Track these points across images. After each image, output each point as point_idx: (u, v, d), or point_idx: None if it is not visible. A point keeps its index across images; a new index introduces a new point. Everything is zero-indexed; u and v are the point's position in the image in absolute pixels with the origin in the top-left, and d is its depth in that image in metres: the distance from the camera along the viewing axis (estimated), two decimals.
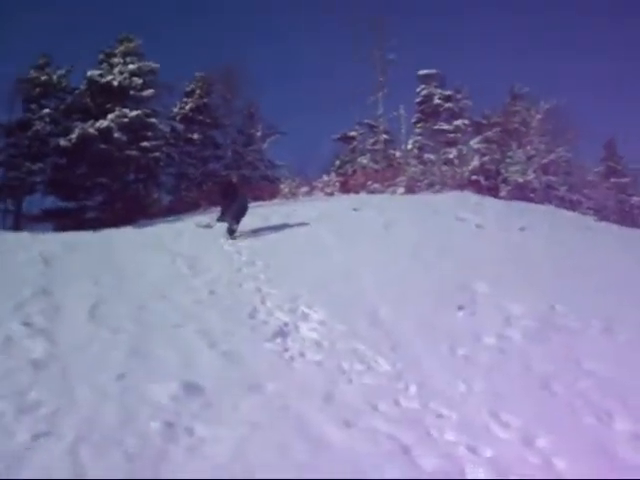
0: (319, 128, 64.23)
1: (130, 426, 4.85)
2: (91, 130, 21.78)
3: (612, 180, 37.06)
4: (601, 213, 28.43)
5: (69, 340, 6.91)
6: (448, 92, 32.26)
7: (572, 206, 27.29)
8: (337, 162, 33.44)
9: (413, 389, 5.89)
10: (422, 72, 32.57)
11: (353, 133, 33.38)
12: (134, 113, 22.44)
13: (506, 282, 9.81)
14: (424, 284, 9.71)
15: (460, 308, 8.57)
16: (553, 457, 4.63)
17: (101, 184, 23.52)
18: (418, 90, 32.93)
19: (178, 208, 24.50)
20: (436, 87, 32.53)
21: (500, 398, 5.68)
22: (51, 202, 25.13)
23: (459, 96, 32.51)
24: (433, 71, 32.56)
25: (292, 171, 29.36)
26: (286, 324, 7.76)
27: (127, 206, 23.41)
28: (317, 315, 8.07)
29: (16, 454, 4.34)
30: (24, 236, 14.73)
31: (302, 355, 6.77)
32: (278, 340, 7.18)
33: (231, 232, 13.51)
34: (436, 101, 32.03)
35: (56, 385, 5.63)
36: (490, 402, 5.58)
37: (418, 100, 32.97)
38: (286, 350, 6.90)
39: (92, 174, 23.17)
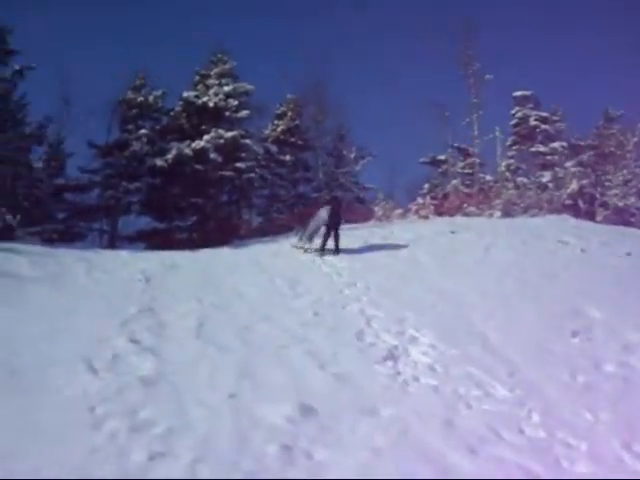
0: (406, 151, 63.95)
1: (246, 448, 4.73)
2: (187, 150, 22.11)
3: None
4: None
5: (177, 358, 6.88)
6: (544, 114, 31.62)
7: None
8: (426, 185, 33.03)
9: (536, 417, 5.61)
10: (517, 93, 32.10)
11: (443, 156, 33.05)
12: (229, 134, 22.68)
13: (619, 308, 9.36)
14: (533, 308, 9.35)
15: (574, 334, 8.19)
16: None
17: (195, 204, 23.81)
18: (513, 112, 32.42)
19: (269, 230, 24.60)
20: (531, 109, 31.95)
21: (630, 429, 5.34)
22: (144, 223, 25.63)
23: (555, 118, 31.86)
24: (528, 92, 32.02)
25: (382, 194, 29.23)
26: (395, 347, 7.54)
27: (219, 227, 23.63)
28: (426, 339, 7.83)
29: (134, 474, 4.25)
30: (123, 254, 14.96)
31: (416, 379, 6.54)
32: (389, 363, 6.98)
33: (322, 248, 13.59)
34: (532, 123, 31.44)
35: (167, 404, 5.57)
36: (620, 433, 5.25)
37: (513, 122, 32.43)
38: (398, 374, 6.69)
39: (186, 194, 23.51)
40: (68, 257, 13.16)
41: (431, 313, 9.02)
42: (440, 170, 33.52)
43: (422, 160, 34.78)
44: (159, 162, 22.32)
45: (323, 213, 14.63)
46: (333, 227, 14.29)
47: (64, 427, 4.98)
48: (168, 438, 4.84)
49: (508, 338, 7.94)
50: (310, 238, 14.64)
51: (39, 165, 24.22)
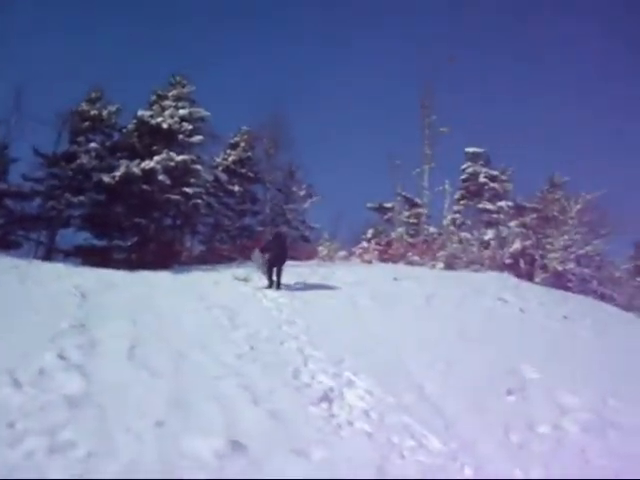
0: (354, 195, 64.32)
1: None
2: (135, 170, 21.80)
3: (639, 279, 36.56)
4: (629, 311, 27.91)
5: (106, 379, 6.62)
6: (494, 172, 32.10)
7: (604, 300, 26.74)
8: (371, 231, 33.18)
9: (468, 471, 5.54)
10: (470, 149, 32.54)
11: (389, 204, 33.31)
12: (181, 158, 22.46)
13: (555, 371, 9.42)
14: (471, 363, 9.33)
15: (510, 393, 8.19)
16: None
17: (137, 225, 23.45)
18: (464, 167, 32.83)
19: (211, 258, 24.38)
20: (482, 165, 32.42)
21: None
22: (83, 238, 25.07)
23: (503, 177, 32.36)
24: (480, 150, 32.48)
25: (327, 234, 29.27)
26: (331, 389, 7.40)
27: (160, 250, 23.30)
28: (363, 383, 7.72)
29: None
30: (60, 267, 14.60)
31: (350, 424, 6.40)
32: (324, 405, 6.83)
33: (269, 281, 13.45)
34: (481, 180, 31.87)
35: (91, 426, 5.32)
36: None
37: (463, 177, 32.84)
38: (333, 416, 6.55)
39: (130, 214, 23.13)
40: (1, 264, 12.77)
41: (369, 358, 8.91)
42: (386, 217, 33.74)
43: (369, 205, 35.03)
44: (106, 178, 21.94)
45: (269, 245, 14.55)
46: (277, 263, 14.17)
47: None
48: (89, 462, 4.60)
49: (445, 390, 7.88)
50: (262, 271, 14.47)
51: None
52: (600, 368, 10.20)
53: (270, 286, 13.82)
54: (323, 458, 5.35)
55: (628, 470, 6.07)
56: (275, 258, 14.18)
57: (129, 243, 24.68)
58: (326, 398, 7.05)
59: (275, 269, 14.12)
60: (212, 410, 6.13)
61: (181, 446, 5.10)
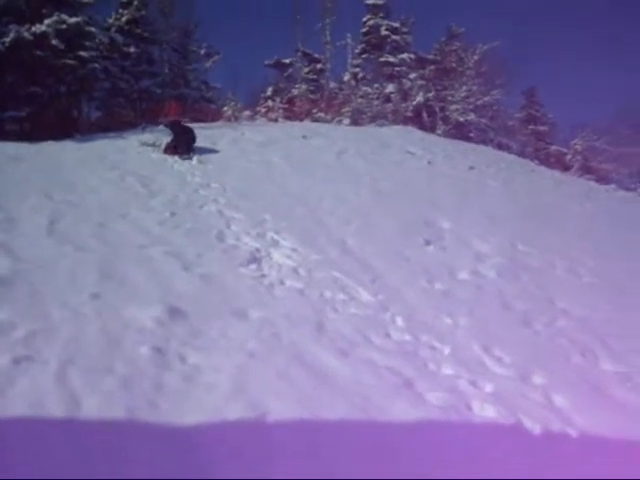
0: (250, 53, 62.69)
1: (118, 351, 4.53)
2: (26, 34, 20.46)
3: (531, 127, 37.68)
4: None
5: (32, 256, 6.46)
6: (395, 24, 31.71)
7: (501, 149, 27.50)
8: (270, 89, 32.66)
9: (400, 321, 5.79)
10: (370, 1, 31.84)
11: (288, 60, 32.78)
12: (73, 20, 21.12)
13: (467, 219, 9.84)
14: (387, 216, 9.60)
15: (428, 243, 8.51)
16: (552, 394, 4.60)
17: (31, 94, 22.28)
18: (365, 19, 32.27)
19: (110, 124, 23.62)
20: (382, 18, 31.95)
21: (487, 334, 5.64)
22: None
23: (404, 29, 32.05)
24: (381, 1, 31.82)
25: (225, 94, 28.69)
26: (257, 250, 7.50)
27: (57, 119, 22.40)
28: (287, 242, 7.85)
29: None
30: None
31: (282, 282, 6.55)
32: (253, 266, 6.94)
33: (185, 155, 13.15)
34: (383, 32, 31.43)
35: (27, 305, 5.21)
36: (479, 337, 5.53)
37: (364, 30, 32.31)
38: (263, 276, 6.67)
39: (23, 82, 21.93)
40: None
41: (290, 217, 9.03)
42: (285, 74, 33.24)
43: (267, 62, 34.32)
44: None
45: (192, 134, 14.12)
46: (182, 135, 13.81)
47: None
48: (32, 341, 4.53)
49: (366, 244, 8.13)
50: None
51: None
52: (508, 214, 10.69)
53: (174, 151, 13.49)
54: (262, 317, 5.48)
55: (543, 311, 6.49)
56: (189, 141, 13.80)
57: (23, 113, 23.54)
58: (254, 259, 7.16)
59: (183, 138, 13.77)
60: (144, 279, 6.12)
61: (121, 317, 5.10)
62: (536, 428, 4.13)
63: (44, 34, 20.47)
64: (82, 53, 21.60)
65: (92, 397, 3.89)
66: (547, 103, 46.31)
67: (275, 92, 31.55)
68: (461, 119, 28.15)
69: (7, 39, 20.28)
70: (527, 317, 6.27)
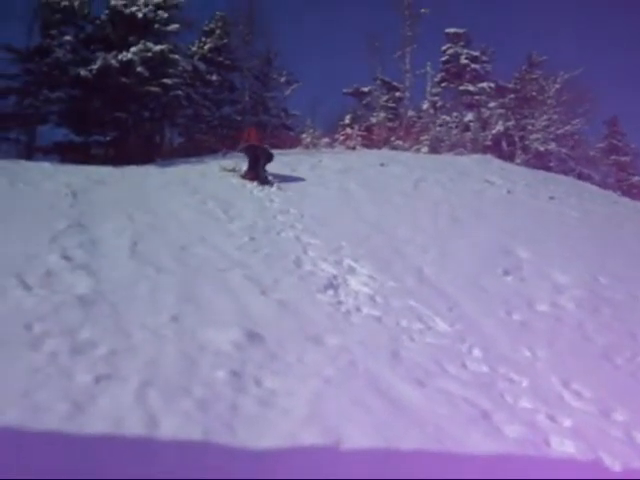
0: (329, 81, 63.15)
1: (195, 373, 4.63)
2: (113, 62, 21.11)
3: (613, 157, 36.94)
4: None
5: (113, 277, 6.67)
6: (475, 53, 31.62)
7: (582, 179, 27.01)
8: (348, 117, 32.85)
9: (477, 352, 5.71)
10: (450, 30, 31.86)
11: (366, 88, 32.97)
12: (158, 48, 21.73)
13: (547, 250, 9.63)
14: (465, 245, 9.50)
15: (506, 273, 8.38)
16: (633, 431, 4.47)
17: (116, 119, 22.90)
18: (444, 48, 32.27)
19: (192, 150, 24.08)
20: (463, 47, 31.90)
21: (567, 367, 5.51)
22: (61, 135, 24.55)
23: (484, 58, 31.93)
24: (461, 30, 31.82)
25: (303, 121, 29.03)
26: (335, 276, 7.51)
27: (140, 144, 23.00)
28: (364, 269, 7.84)
29: (80, 397, 4.09)
30: (46, 166, 14.41)
31: (358, 310, 6.55)
32: (330, 292, 6.96)
33: (264, 181, 13.26)
34: (462, 61, 31.38)
35: (108, 324, 5.37)
36: (558, 370, 5.40)
37: (444, 59, 32.32)
38: (340, 303, 6.68)
39: (108, 108, 22.58)
40: None
41: (366, 244, 9.04)
42: (364, 102, 33.44)
43: (345, 91, 34.63)
44: (83, 72, 21.26)
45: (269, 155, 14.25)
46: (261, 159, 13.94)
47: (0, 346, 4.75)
48: (112, 360, 4.67)
49: (443, 273, 8.06)
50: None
51: None
52: (589, 246, 10.44)
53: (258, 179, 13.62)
54: (338, 344, 5.49)
55: (624, 346, 6.30)
56: (265, 162, 13.94)
57: (108, 138, 24.23)
58: (331, 285, 7.18)
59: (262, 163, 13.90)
60: (223, 302, 6.24)
61: (199, 339, 5.20)
62: (616, 465, 4.02)
63: (130, 61, 21.09)
64: (166, 80, 22.14)
65: (170, 417, 3.97)
66: (630, 133, 45.47)
67: (353, 120, 31.76)
68: (541, 148, 27.80)
69: (95, 66, 20.97)
70: (608, 351, 6.09)
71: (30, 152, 23.44)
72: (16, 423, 3.72)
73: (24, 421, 3.74)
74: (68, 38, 22.11)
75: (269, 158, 14.04)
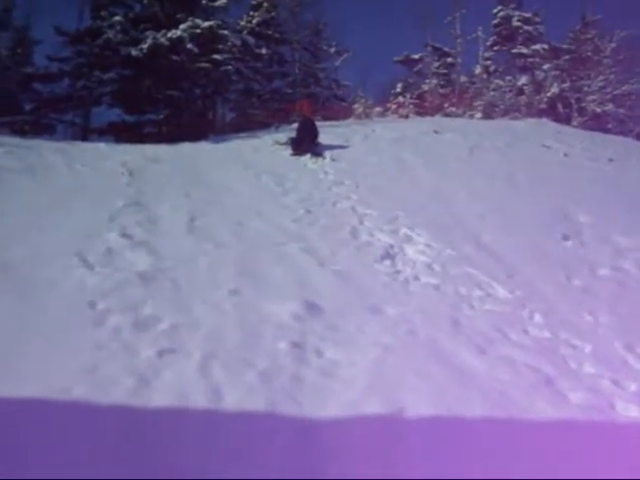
0: (379, 50, 62.51)
1: (256, 345, 4.68)
2: (163, 40, 21.18)
3: None
4: None
5: (173, 253, 6.76)
6: (527, 14, 30.94)
7: None
8: (400, 85, 32.54)
9: (539, 318, 5.63)
10: None
11: (417, 55, 32.59)
12: (207, 24, 21.71)
13: (607, 214, 9.41)
14: (523, 211, 9.34)
15: (566, 238, 8.24)
16: None
17: (168, 97, 23.03)
18: (495, 11, 31.67)
19: (244, 125, 24.10)
20: (514, 9, 31.25)
21: (630, 331, 5.40)
22: (115, 115, 24.81)
23: (536, 19, 31.20)
24: None
25: (355, 92, 28.78)
26: (391, 246, 7.49)
27: (193, 121, 23.13)
28: (421, 238, 7.79)
29: (145, 371, 4.17)
30: (101, 146, 14.65)
31: (416, 278, 6.52)
32: (387, 262, 6.94)
33: (317, 153, 13.20)
34: (515, 23, 30.74)
35: (169, 300, 5.47)
36: (621, 335, 5.30)
37: (495, 22, 31.70)
38: (398, 272, 6.66)
39: (160, 86, 22.72)
40: (44, 148, 12.80)
41: (423, 213, 8.97)
42: (415, 70, 33.09)
43: (396, 59, 34.26)
44: (134, 52, 21.42)
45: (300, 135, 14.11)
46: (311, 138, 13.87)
47: (65, 324, 4.84)
48: (174, 334, 4.75)
49: (502, 239, 7.95)
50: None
51: (4, 53, 23.27)
52: None
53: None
54: (397, 313, 5.49)
55: None
56: (313, 137, 13.87)
57: (161, 116, 24.40)
58: (388, 255, 7.16)
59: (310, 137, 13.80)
60: (281, 275, 6.27)
61: (260, 312, 5.25)
62: None
63: (179, 39, 21.14)
64: (216, 56, 22.17)
65: (234, 390, 4.02)
66: None
67: (405, 88, 31.47)
68: (598, 110, 27.11)
69: (145, 45, 21.09)
70: None
71: (85, 133, 23.81)
72: (85, 399, 3.81)
73: (92, 396, 3.82)
74: (118, 18, 22.25)
75: (315, 133, 13.95)
